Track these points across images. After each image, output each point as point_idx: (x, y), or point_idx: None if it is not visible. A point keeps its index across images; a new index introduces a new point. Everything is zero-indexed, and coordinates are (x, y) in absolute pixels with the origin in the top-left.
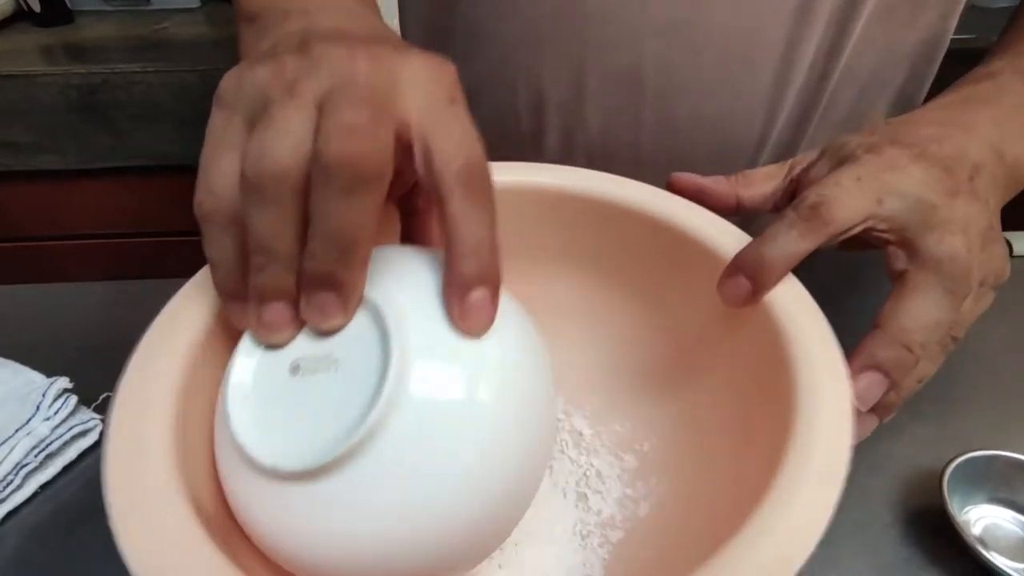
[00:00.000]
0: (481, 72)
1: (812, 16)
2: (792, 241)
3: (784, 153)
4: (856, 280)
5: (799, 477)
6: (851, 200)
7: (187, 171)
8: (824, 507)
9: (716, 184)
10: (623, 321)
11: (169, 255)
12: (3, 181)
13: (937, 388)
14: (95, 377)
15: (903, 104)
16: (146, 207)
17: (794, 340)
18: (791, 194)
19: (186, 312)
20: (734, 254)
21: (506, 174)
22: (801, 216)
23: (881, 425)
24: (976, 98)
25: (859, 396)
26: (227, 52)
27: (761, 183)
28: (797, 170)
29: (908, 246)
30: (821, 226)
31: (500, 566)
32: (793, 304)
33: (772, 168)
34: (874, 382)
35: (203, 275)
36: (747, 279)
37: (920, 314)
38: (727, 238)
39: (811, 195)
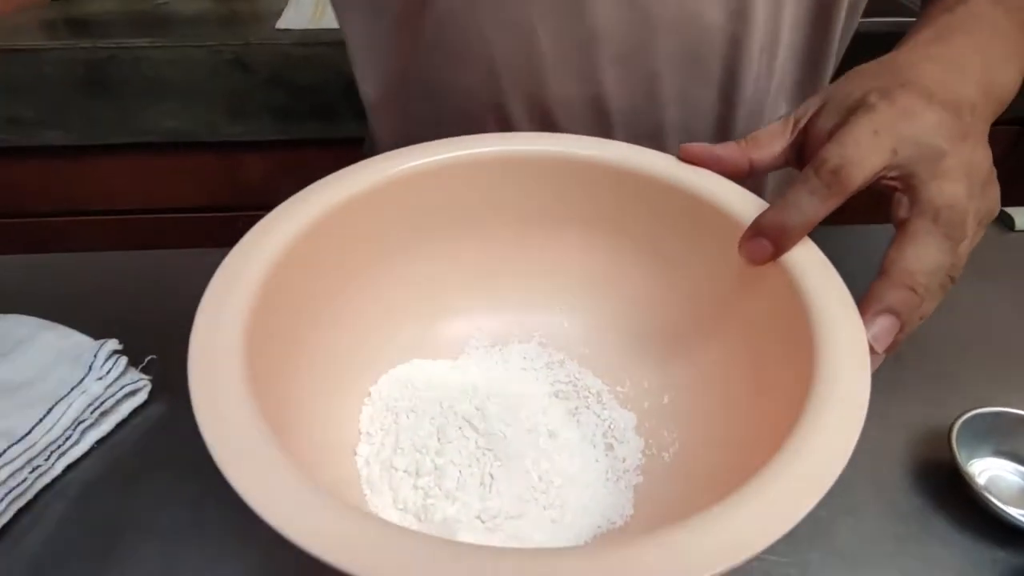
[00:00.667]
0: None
1: None
2: (813, 207)
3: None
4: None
5: (827, 404)
6: (870, 157)
7: (194, 148)
8: (852, 429)
9: (727, 151)
10: (640, 283)
11: (174, 232)
12: (7, 157)
13: (947, 352)
14: (137, 340)
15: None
16: (152, 184)
17: (808, 287)
18: (798, 147)
19: (255, 248)
20: (747, 215)
21: (526, 143)
22: (823, 181)
23: (887, 361)
24: (955, 28)
25: (874, 339)
26: (233, 28)
27: (769, 143)
28: (803, 123)
29: (912, 193)
30: (842, 190)
31: (544, 507)
32: (805, 255)
33: (776, 126)
34: (887, 325)
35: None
36: (769, 242)
37: (923, 258)
38: (738, 198)
39: (832, 157)
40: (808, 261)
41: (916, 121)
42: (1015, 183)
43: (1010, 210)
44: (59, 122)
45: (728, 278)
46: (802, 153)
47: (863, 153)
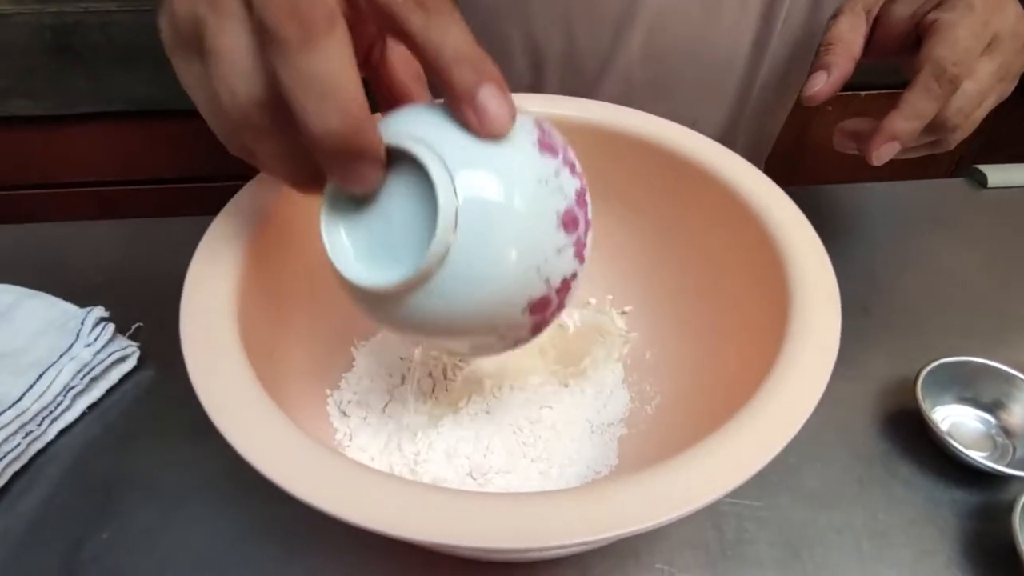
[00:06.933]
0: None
1: None
2: (932, 110)
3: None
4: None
5: (798, 357)
6: (976, 60)
7: (167, 116)
8: (820, 379)
9: (840, 76)
10: (623, 243)
11: (151, 204)
12: None
13: (915, 306)
14: (123, 308)
15: None
16: (126, 154)
17: (785, 243)
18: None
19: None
20: (729, 172)
21: (529, 105)
22: (944, 90)
23: (857, 316)
24: None
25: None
26: None
27: (853, 43)
28: (874, 13)
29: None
30: (953, 91)
31: (532, 460)
32: (783, 213)
33: (849, 23)
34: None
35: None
36: (900, 144)
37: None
38: (718, 154)
39: (949, 65)
40: (786, 219)
41: (1007, 12)
42: (988, 144)
43: (984, 168)
44: (26, 90)
45: (709, 236)
46: (871, 39)
47: (971, 57)
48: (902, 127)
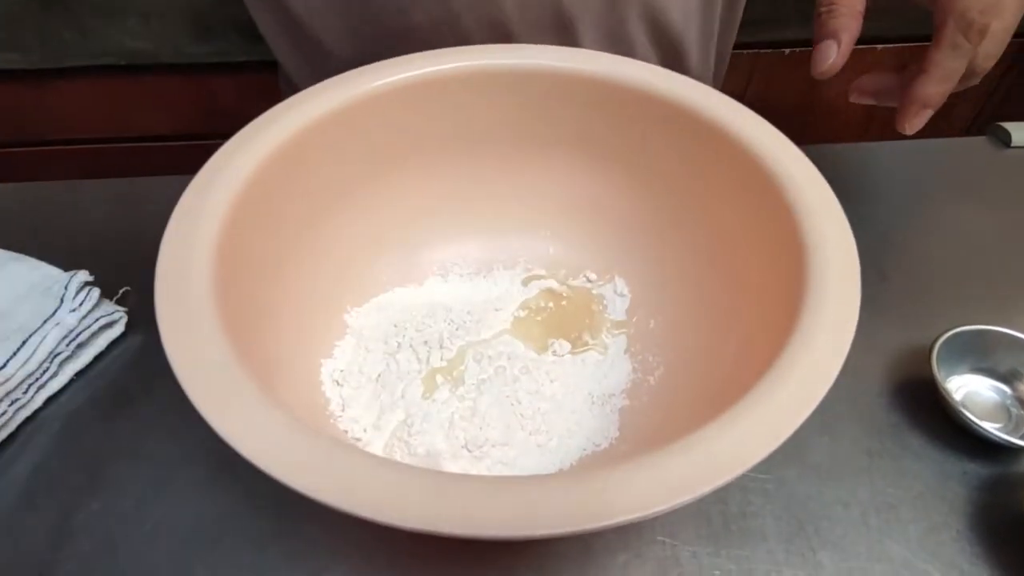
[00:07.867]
0: None
1: None
2: (961, 67)
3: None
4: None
5: (814, 331)
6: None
7: (159, 71)
8: (838, 356)
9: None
10: (627, 206)
11: (145, 164)
12: None
13: (933, 272)
14: (110, 272)
15: None
16: (118, 111)
17: (802, 206)
18: None
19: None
20: (739, 128)
21: (513, 57)
22: (972, 42)
23: (873, 282)
24: None
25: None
26: None
27: None
28: None
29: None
30: (979, 42)
31: (530, 433)
32: (800, 173)
33: None
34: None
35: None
36: (932, 110)
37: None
38: (726, 107)
39: (976, 16)
40: (803, 179)
41: None
42: (1012, 99)
43: (1007, 125)
44: (13, 42)
45: (719, 197)
46: None
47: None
48: (933, 91)
